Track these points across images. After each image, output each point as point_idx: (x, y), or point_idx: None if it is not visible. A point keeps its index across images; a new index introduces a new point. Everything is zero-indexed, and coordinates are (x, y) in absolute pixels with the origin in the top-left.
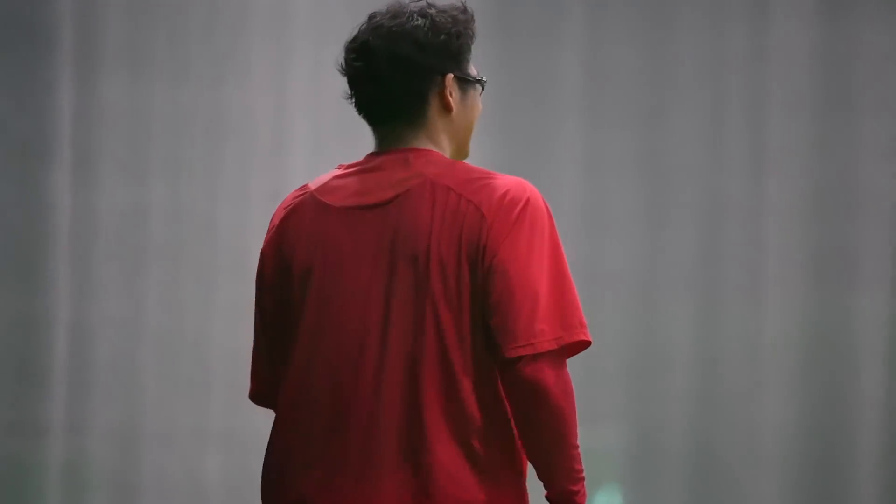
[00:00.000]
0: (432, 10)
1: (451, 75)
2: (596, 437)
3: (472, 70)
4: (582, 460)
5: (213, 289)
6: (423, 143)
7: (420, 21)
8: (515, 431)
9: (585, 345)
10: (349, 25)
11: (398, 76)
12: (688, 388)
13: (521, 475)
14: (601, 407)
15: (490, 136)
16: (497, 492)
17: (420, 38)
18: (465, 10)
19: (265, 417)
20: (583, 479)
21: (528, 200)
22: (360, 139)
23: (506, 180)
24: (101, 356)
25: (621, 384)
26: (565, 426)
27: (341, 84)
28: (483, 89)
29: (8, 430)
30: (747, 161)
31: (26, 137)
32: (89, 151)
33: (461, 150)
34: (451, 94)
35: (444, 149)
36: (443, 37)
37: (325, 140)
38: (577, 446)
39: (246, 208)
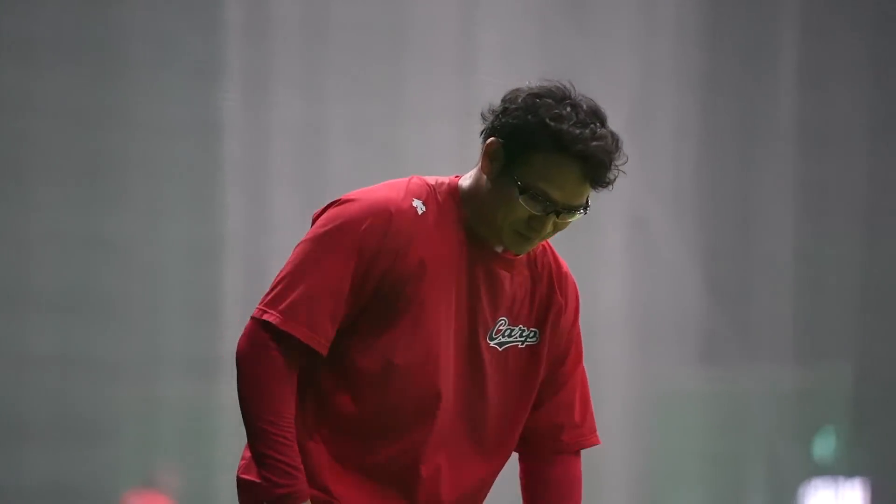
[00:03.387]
0: (545, 93)
1: (496, 140)
2: (817, 377)
3: (526, 174)
4: (272, 443)
5: None
6: (464, 179)
7: (525, 94)
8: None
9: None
10: None
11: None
12: None
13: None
14: (821, 345)
15: None
16: None
17: (508, 103)
18: (557, 122)
19: None
20: (266, 463)
21: (336, 202)
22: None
23: (354, 191)
24: None
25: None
26: (244, 392)
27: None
28: (527, 196)
29: (181, 369)
30: None
31: (195, 56)
32: (263, 70)
33: (485, 222)
34: (488, 154)
35: (474, 190)
36: (514, 109)
37: (514, 54)
38: (267, 423)
39: (430, 128)
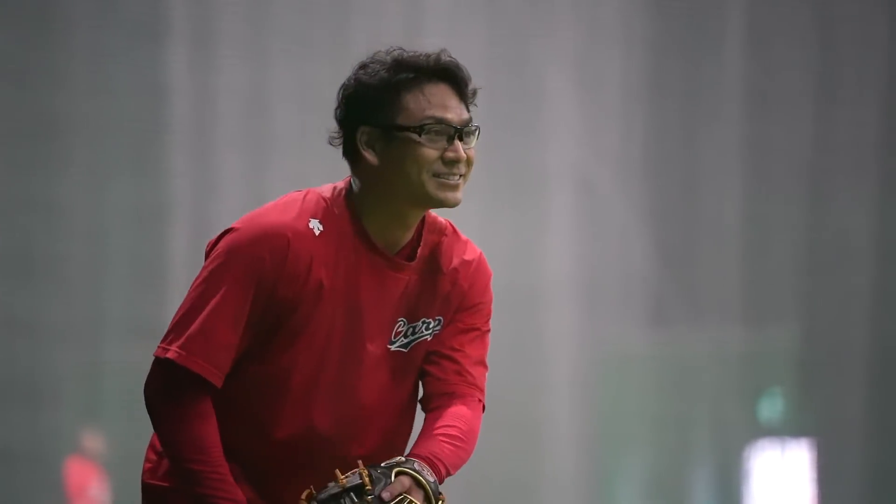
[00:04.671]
0: (366, 62)
1: (361, 128)
2: (763, 339)
3: (409, 117)
4: (208, 482)
5: None
6: (353, 185)
7: (349, 77)
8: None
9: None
10: None
11: (338, 132)
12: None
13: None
14: (768, 307)
15: None
16: None
17: (342, 95)
18: (389, 59)
19: None
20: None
21: (231, 231)
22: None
23: (246, 215)
24: None
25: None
26: (164, 434)
27: None
28: (426, 132)
29: (126, 333)
30: None
31: (138, 15)
32: (208, 30)
33: (407, 195)
34: (364, 147)
35: (368, 194)
36: (351, 91)
37: (460, 18)
38: (196, 462)
39: None
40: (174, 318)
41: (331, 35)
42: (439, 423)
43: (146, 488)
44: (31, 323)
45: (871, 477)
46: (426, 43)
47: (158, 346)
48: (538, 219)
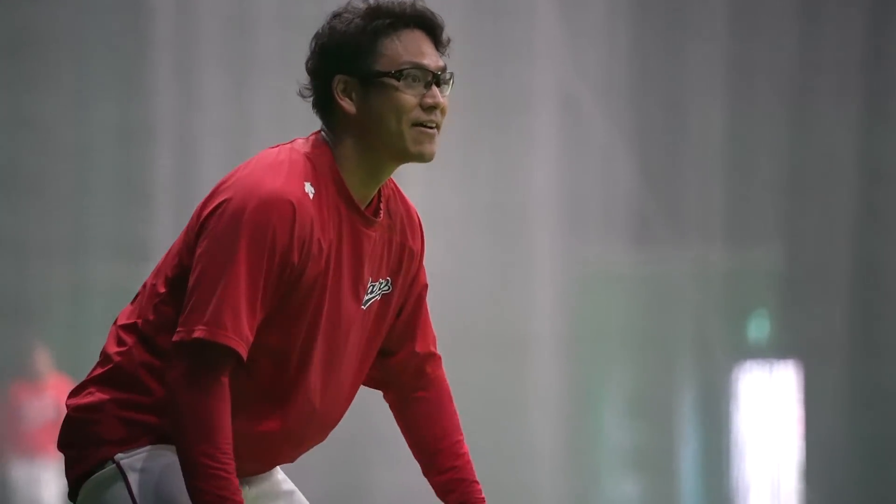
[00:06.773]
0: (339, 11)
1: (337, 77)
2: (747, 259)
3: (387, 63)
4: (209, 478)
5: None
6: (328, 140)
7: (322, 27)
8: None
9: (217, 346)
10: None
11: (311, 83)
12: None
13: None
14: (751, 227)
15: None
16: None
17: (316, 44)
18: (364, 7)
19: None
20: (204, 499)
21: (229, 200)
22: None
23: (234, 175)
24: (206, 172)
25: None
26: (178, 423)
27: None
28: (403, 76)
29: (110, 251)
30: None
31: None
32: None
33: (385, 146)
34: (340, 96)
35: (346, 147)
36: (326, 39)
37: None
38: (204, 455)
39: None
40: (192, 297)
41: None
42: (455, 439)
43: (75, 420)
44: (14, 240)
45: (855, 395)
46: None
47: (178, 332)
48: (521, 138)
